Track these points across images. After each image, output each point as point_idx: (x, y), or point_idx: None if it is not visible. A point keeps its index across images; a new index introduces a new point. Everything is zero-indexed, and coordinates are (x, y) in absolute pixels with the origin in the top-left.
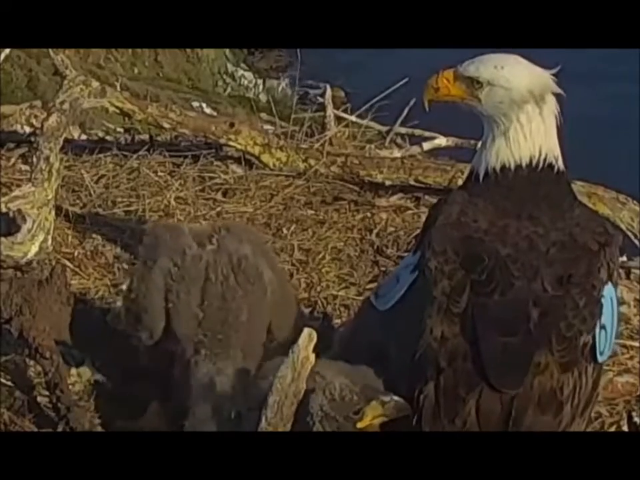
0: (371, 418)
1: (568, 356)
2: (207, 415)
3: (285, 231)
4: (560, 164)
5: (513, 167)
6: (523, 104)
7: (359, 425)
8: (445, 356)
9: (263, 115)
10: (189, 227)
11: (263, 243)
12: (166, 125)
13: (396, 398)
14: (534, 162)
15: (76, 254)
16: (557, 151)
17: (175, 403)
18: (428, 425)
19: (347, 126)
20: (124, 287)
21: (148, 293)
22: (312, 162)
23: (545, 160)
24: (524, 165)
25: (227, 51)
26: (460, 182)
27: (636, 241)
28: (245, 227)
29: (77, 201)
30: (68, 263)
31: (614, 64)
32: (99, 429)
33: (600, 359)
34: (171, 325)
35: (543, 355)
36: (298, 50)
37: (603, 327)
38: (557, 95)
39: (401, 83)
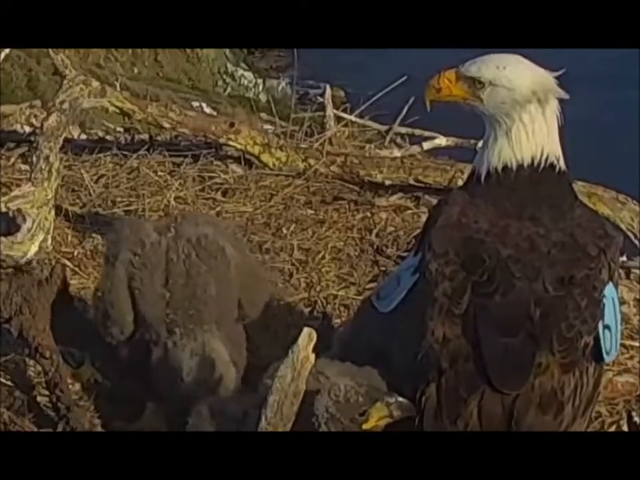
0: (376, 419)
1: (569, 357)
2: (210, 414)
3: (284, 230)
4: (561, 164)
5: (514, 166)
6: (526, 104)
7: (365, 427)
8: (447, 357)
9: (263, 114)
10: (148, 220)
11: (222, 225)
12: (166, 125)
13: (400, 399)
14: (536, 162)
15: (76, 253)
16: (559, 151)
17: (161, 389)
18: (430, 427)
19: (346, 125)
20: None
21: (113, 288)
22: (312, 161)
23: (546, 160)
24: (526, 164)
25: (227, 50)
26: (460, 182)
27: (636, 241)
28: (203, 214)
29: (77, 201)
30: (68, 263)
31: (616, 67)
32: (99, 429)
33: (607, 358)
34: (140, 312)
35: (544, 356)
36: (295, 50)
37: (607, 327)
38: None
39: (400, 81)
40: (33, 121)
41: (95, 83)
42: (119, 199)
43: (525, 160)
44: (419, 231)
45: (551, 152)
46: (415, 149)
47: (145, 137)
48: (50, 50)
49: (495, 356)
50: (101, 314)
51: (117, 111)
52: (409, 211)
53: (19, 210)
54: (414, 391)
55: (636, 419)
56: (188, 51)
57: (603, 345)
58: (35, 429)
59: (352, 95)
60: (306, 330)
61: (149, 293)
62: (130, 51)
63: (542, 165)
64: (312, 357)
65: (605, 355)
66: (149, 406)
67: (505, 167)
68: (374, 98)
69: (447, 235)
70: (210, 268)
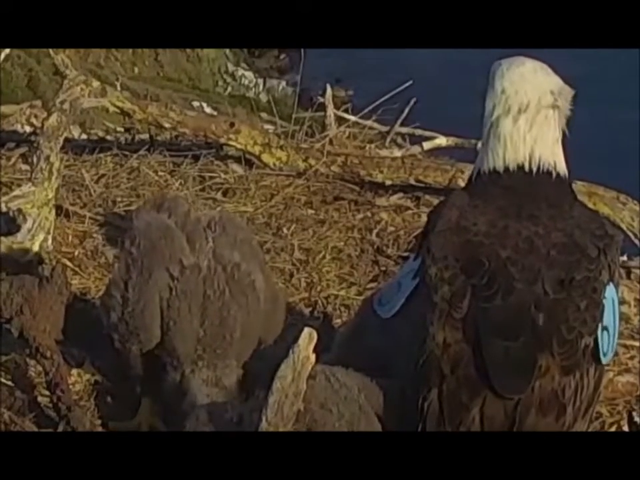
0: None
1: (569, 359)
2: (207, 418)
3: (285, 230)
4: (559, 169)
5: (512, 168)
6: (504, 109)
7: None
8: (448, 362)
9: (264, 114)
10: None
11: (252, 240)
12: (166, 125)
13: None
14: (532, 164)
15: (76, 253)
16: (557, 155)
17: (170, 404)
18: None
19: (347, 125)
20: (115, 292)
21: (146, 310)
22: (312, 161)
23: (543, 163)
24: (523, 166)
25: (227, 50)
26: (460, 181)
27: (636, 241)
28: (237, 222)
29: (77, 201)
30: (68, 263)
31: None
32: (100, 429)
33: (604, 360)
34: (170, 341)
35: (544, 358)
36: (302, 50)
37: (605, 328)
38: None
39: (405, 85)
40: (34, 120)
41: (96, 83)
42: (119, 199)
43: (522, 162)
44: (419, 230)
45: (547, 155)
46: (416, 148)
47: (145, 136)
48: (50, 50)
49: (496, 360)
50: (127, 328)
51: (118, 110)
52: (410, 211)
53: (19, 210)
54: (416, 397)
55: (636, 419)
56: (188, 50)
57: (600, 347)
58: (36, 429)
59: (354, 96)
60: (306, 330)
61: (186, 328)
62: (130, 50)
63: (538, 168)
64: (312, 357)
65: (602, 356)
66: (144, 401)
67: (503, 169)
68: (378, 101)
69: (446, 239)
70: (240, 307)
